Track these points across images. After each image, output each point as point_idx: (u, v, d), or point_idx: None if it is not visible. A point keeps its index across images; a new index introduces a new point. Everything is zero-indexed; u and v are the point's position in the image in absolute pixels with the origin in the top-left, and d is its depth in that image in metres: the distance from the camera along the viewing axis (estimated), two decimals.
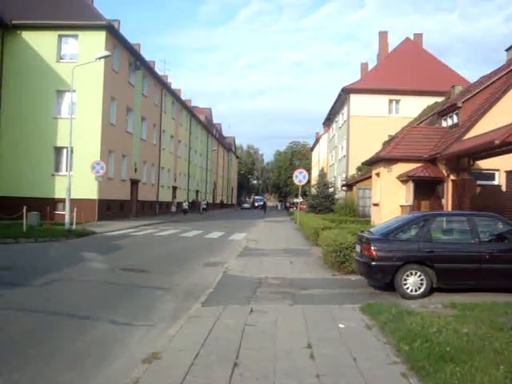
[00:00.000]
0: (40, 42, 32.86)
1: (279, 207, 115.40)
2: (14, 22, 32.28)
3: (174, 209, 50.12)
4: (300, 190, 33.67)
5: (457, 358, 5.81)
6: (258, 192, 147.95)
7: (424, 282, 10.11)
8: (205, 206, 63.81)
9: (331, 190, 42.00)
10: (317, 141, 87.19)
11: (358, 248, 11.39)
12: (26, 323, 8.03)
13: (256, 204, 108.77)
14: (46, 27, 32.74)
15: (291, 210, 69.15)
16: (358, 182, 37.33)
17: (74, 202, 25.57)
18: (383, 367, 5.86)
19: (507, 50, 26.43)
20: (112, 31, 34.09)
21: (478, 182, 20.28)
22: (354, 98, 46.26)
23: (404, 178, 22.94)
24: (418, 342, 6.39)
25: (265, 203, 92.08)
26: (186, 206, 54.19)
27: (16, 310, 8.83)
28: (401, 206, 23.01)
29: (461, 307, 8.66)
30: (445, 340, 6.48)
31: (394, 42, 53.50)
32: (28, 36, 32.91)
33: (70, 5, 33.93)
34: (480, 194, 19.70)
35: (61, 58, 33.15)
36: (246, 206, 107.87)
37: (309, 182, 50.65)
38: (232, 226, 34.29)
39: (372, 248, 10.30)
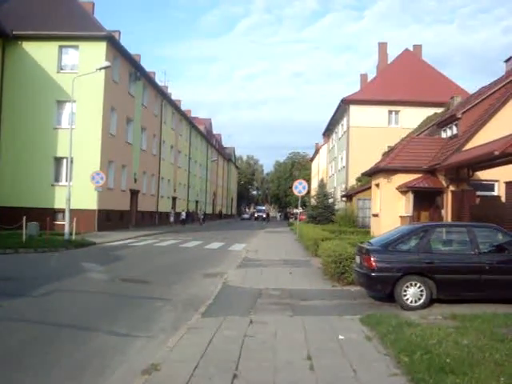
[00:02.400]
0: (41, 53, 32.94)
1: (278, 217, 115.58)
2: (14, 32, 32.40)
3: (171, 219, 50.01)
4: (300, 200, 33.66)
5: (457, 370, 5.79)
6: (257, 202, 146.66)
7: (424, 293, 10.09)
8: (202, 217, 62.83)
9: (331, 200, 42.06)
10: (316, 151, 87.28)
11: (357, 259, 11.38)
12: (26, 334, 8.00)
13: (256, 215, 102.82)
14: (46, 38, 32.84)
15: (291, 220, 69.21)
16: (357, 192, 37.34)
17: (73, 212, 25.58)
18: (383, 379, 5.85)
19: (506, 61, 26.53)
20: (112, 42, 34.21)
21: (478, 193, 20.31)
22: (353, 108, 46.33)
23: (403, 189, 22.96)
24: (418, 353, 6.38)
25: (268, 214, 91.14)
26: (183, 216, 54.04)
27: (15, 320, 8.82)
28: (400, 216, 23.00)
29: (461, 318, 8.65)
30: (445, 351, 6.46)
31: (393, 53, 53.97)
32: (29, 46, 33.01)
33: (71, 16, 34.09)
34: (479, 204, 19.72)
35: (61, 69, 33.23)
36: (245, 216, 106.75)
37: (308, 192, 50.69)
38: (232, 237, 34.25)
39: (372, 259, 10.30)
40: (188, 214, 58.24)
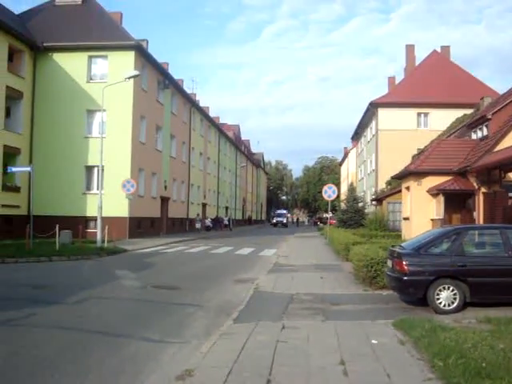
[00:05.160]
0: (71, 63, 33.56)
1: (307, 222, 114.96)
2: (45, 44, 33.13)
3: (198, 225, 49.94)
4: (329, 205, 33.52)
5: (493, 375, 5.70)
6: (287, 207, 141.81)
7: (457, 297, 9.97)
8: (227, 223, 61.15)
9: (361, 204, 41.76)
10: (345, 155, 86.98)
11: (389, 263, 11.30)
12: (61, 341, 8.12)
13: (275, 220, 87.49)
14: (76, 49, 33.50)
15: (319, 225, 68.82)
16: (387, 196, 37.06)
17: (105, 219, 25.86)
18: None
19: None
20: (140, 51, 34.65)
21: (510, 195, 19.99)
22: (381, 112, 46.04)
23: (434, 192, 22.72)
24: (453, 357, 6.28)
25: (297, 219, 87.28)
26: (208, 222, 53.96)
27: (50, 327, 8.95)
28: (432, 219, 22.76)
29: (496, 322, 8.51)
30: (480, 356, 6.36)
31: (420, 55, 53.45)
32: (59, 58, 33.66)
33: (100, 26, 34.70)
34: None
35: (91, 79, 33.78)
36: (275, 221, 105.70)
37: (338, 196, 50.41)
38: (261, 242, 34.26)
39: (404, 263, 10.21)
40: (216, 220, 57.79)
